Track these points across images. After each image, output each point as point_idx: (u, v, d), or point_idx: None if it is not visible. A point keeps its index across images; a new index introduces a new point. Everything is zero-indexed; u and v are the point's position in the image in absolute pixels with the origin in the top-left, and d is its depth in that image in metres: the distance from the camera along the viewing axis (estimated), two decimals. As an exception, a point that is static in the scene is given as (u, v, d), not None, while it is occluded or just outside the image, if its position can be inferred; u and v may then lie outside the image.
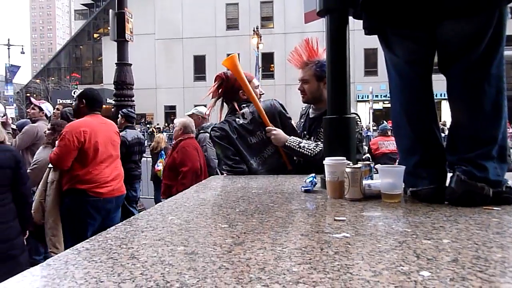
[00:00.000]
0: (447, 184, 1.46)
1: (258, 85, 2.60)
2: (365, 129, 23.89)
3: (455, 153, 1.44)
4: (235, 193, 1.72)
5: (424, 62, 1.52)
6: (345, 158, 1.60)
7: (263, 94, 2.62)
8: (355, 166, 1.52)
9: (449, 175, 1.45)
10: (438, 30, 1.46)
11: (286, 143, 2.32)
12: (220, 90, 2.47)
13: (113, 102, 6.00)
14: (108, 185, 3.31)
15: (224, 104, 2.52)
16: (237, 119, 2.39)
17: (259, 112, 2.37)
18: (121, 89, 5.80)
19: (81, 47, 41.56)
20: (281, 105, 2.50)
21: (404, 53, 1.54)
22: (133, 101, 5.97)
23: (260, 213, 1.32)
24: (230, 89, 2.46)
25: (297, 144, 2.31)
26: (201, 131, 4.78)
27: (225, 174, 2.34)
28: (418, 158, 1.50)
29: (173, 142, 4.44)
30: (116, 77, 5.83)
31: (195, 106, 4.89)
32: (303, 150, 2.29)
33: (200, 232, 1.10)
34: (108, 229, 1.15)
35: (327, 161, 1.59)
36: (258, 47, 22.49)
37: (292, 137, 2.36)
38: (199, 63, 32.65)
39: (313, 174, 1.79)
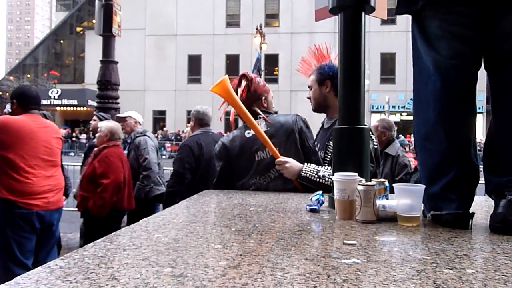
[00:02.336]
0: (471, 209, 1.46)
1: (273, 97, 2.64)
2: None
3: (501, 174, 1.40)
4: (231, 210, 1.72)
5: (474, 62, 1.43)
6: (357, 174, 1.60)
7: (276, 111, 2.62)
8: (368, 183, 1.52)
9: (477, 198, 1.45)
10: (501, 20, 1.38)
11: (302, 173, 2.24)
12: (243, 93, 2.45)
13: (96, 104, 6.03)
14: (42, 196, 3.25)
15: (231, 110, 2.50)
16: (247, 131, 2.42)
17: (262, 140, 2.29)
18: (105, 89, 5.83)
19: (61, 41, 41.84)
20: (305, 122, 2.45)
21: (450, 49, 1.44)
22: (118, 103, 6.00)
23: (259, 233, 1.32)
24: (254, 93, 2.49)
25: (315, 173, 2.24)
26: (138, 135, 4.83)
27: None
28: (450, 179, 1.44)
29: (95, 149, 4.36)
30: (100, 76, 5.87)
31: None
32: (323, 181, 2.21)
33: (190, 253, 1.09)
34: (85, 245, 1.15)
35: (337, 177, 1.59)
36: (261, 48, 22.64)
37: (307, 164, 2.28)
38: (194, 64, 32.83)
39: (320, 192, 1.79)
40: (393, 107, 29.17)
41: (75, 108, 33.46)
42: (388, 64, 31.15)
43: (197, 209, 1.75)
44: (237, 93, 2.41)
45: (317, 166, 2.29)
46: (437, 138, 1.45)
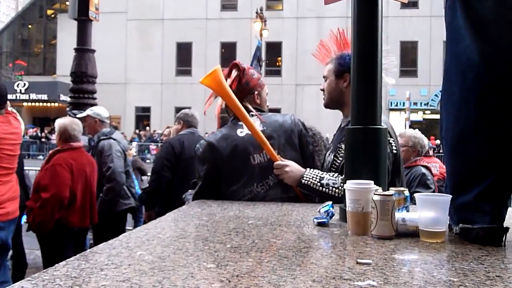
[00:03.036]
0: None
1: (267, 94, 2.65)
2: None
3: None
4: (226, 223, 1.72)
5: None
6: (372, 182, 1.60)
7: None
8: (386, 193, 1.53)
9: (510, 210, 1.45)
10: None
11: (303, 180, 2.26)
12: (233, 84, 2.44)
13: (69, 99, 6.03)
14: (1, 206, 3.32)
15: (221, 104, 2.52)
16: (239, 130, 2.40)
17: (258, 139, 2.31)
18: (80, 82, 5.84)
19: (29, 26, 41.88)
20: (303, 124, 2.52)
21: (505, 39, 1.38)
22: (95, 99, 6.01)
23: (259, 250, 1.32)
24: (245, 86, 2.49)
25: (317, 181, 2.25)
26: (103, 137, 4.73)
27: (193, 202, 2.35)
28: (485, 187, 1.42)
29: (50, 152, 4.34)
30: (75, 66, 5.89)
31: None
32: (326, 190, 2.22)
33: (178, 273, 1.09)
34: (56, 264, 1.15)
35: (349, 185, 1.59)
36: (261, 35, 22.67)
37: (309, 170, 2.30)
38: (184, 53, 32.87)
39: (330, 202, 1.79)
40: (415, 104, 29.24)
41: (44, 104, 33.45)
42: (409, 54, 31.18)
43: (187, 222, 1.75)
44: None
45: (321, 173, 2.30)
46: (477, 141, 1.43)
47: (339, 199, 2.08)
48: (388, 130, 2.15)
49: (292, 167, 2.29)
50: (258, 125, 2.38)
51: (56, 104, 32.44)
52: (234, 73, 2.48)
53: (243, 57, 29.18)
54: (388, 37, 27.85)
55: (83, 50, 5.93)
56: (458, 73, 1.48)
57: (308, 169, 2.32)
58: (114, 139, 4.71)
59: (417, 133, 4.54)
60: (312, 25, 31.07)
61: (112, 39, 31.48)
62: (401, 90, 27.20)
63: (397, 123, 29.69)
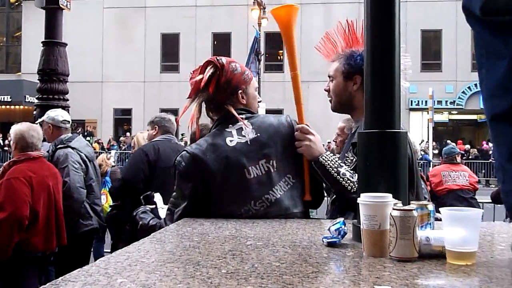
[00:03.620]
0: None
1: (256, 89, 2.61)
2: (421, 152, 24.00)
3: None
4: (221, 244, 1.72)
5: None
6: (390, 195, 1.61)
7: (260, 101, 2.64)
8: (407, 207, 1.53)
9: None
10: None
11: (320, 158, 2.35)
12: (210, 85, 2.39)
13: (36, 101, 6.04)
14: None
15: (203, 109, 2.49)
16: (228, 138, 2.35)
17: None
18: (49, 81, 5.85)
19: (-10, 16, 41.97)
20: None
21: None
22: (67, 100, 6.01)
23: (260, 276, 1.32)
24: (226, 86, 2.41)
25: (335, 166, 2.34)
26: (60, 145, 4.66)
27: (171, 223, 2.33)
28: None
29: (4, 164, 4.27)
30: (43, 63, 5.90)
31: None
32: (341, 179, 2.32)
33: (165, 304, 1.09)
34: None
35: (363, 199, 1.59)
36: (260, 24, 22.75)
37: (329, 153, 2.40)
38: (170, 46, 32.97)
39: (341, 220, 1.79)
40: (439, 102, 29.29)
41: (7, 107, 33.48)
42: (431, 45, 31.29)
43: (175, 244, 1.75)
44: (200, 87, 2.38)
45: (341, 161, 2.41)
46: None
47: (347, 193, 2.29)
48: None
49: (317, 140, 2.39)
50: (248, 133, 2.36)
51: (21, 107, 32.43)
52: (210, 71, 2.39)
53: (239, 50, 29.27)
54: (406, 25, 28.02)
55: (52, 43, 5.93)
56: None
57: (328, 152, 2.41)
58: (73, 148, 4.62)
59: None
60: (318, 13, 31.17)
61: (86, 31, 31.57)
62: (423, 87, 27.27)
63: (418, 125, 29.81)
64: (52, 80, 5.83)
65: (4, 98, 32.45)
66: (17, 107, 32.82)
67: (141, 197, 3.47)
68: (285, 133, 2.43)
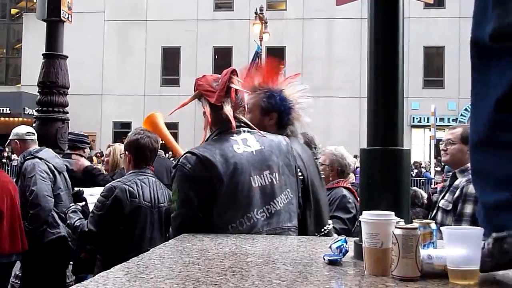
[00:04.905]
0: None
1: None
2: (425, 171, 23.99)
3: None
4: (221, 261, 1.72)
5: None
6: (393, 213, 1.60)
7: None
8: (409, 226, 1.53)
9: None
10: None
11: None
12: (231, 92, 2.48)
13: (35, 113, 6.04)
14: None
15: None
16: (235, 146, 2.40)
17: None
18: (49, 94, 5.86)
19: (-10, 28, 42.18)
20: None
21: None
22: (67, 113, 6.02)
23: (260, 294, 1.32)
24: (239, 97, 2.54)
25: None
26: (28, 157, 4.79)
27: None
28: None
29: None
30: (43, 75, 5.91)
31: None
32: None
33: (165, 321, 1.09)
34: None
35: (366, 217, 1.59)
36: (261, 39, 22.85)
37: None
38: (170, 59, 33.08)
39: (343, 237, 1.79)
40: (441, 119, 29.30)
41: (7, 118, 33.49)
42: (434, 61, 31.39)
43: (174, 260, 1.75)
44: (226, 88, 2.44)
45: None
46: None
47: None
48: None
49: None
50: (253, 142, 2.44)
51: (20, 119, 32.43)
52: (237, 82, 2.52)
53: (240, 64, 29.00)
54: (409, 42, 28.11)
55: (53, 56, 5.95)
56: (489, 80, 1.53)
57: None
58: (40, 158, 4.71)
59: (337, 150, 4.42)
60: (320, 28, 31.34)
61: (87, 43, 31.69)
62: (425, 104, 27.37)
63: (420, 142, 29.81)
64: (52, 92, 5.84)
65: (3, 110, 32.48)
66: (16, 119, 32.75)
67: (71, 193, 3.53)
68: (285, 150, 2.52)
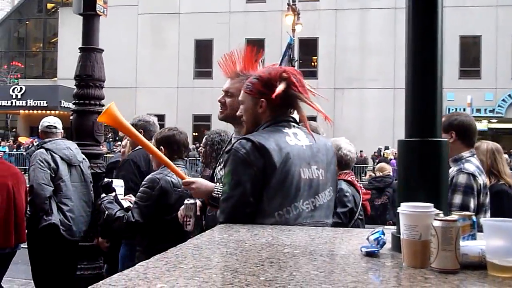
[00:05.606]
0: None
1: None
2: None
3: None
4: (258, 252, 1.73)
5: None
6: (432, 205, 1.59)
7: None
8: (449, 218, 1.51)
9: None
10: None
11: (213, 194, 2.69)
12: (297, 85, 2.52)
13: (72, 106, 6.13)
14: None
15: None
16: (287, 138, 2.44)
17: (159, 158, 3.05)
18: (86, 87, 5.92)
19: (27, 22, 43.00)
20: None
21: None
22: (103, 105, 6.09)
23: (298, 285, 1.33)
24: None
25: None
26: (38, 147, 5.02)
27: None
28: None
29: None
30: (80, 69, 5.98)
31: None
32: None
33: (205, 310, 1.10)
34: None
35: (404, 208, 1.58)
36: (293, 30, 22.77)
37: (219, 184, 2.72)
38: (203, 52, 33.21)
39: (381, 229, 1.79)
40: (478, 110, 28.81)
41: (43, 112, 34.06)
42: (471, 51, 30.83)
43: (212, 251, 1.77)
44: (272, 90, 2.46)
45: None
46: None
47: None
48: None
49: (199, 183, 2.80)
50: (303, 138, 2.48)
51: (57, 112, 33.02)
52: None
53: (272, 56, 29.22)
54: (445, 32, 27.56)
55: (89, 49, 6.00)
56: None
57: (218, 184, 2.76)
58: (46, 149, 4.87)
59: (337, 141, 4.24)
60: (353, 19, 31.06)
61: (121, 37, 32.02)
62: (461, 94, 26.90)
63: (456, 134, 29.33)
64: (89, 85, 5.89)
65: (40, 103, 33.11)
66: (52, 112, 33.33)
67: (100, 185, 3.60)
68: (330, 151, 2.61)
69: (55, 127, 5.19)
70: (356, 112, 29.05)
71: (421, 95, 1.79)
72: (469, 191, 3.27)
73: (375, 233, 1.76)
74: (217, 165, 3.06)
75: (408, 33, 1.83)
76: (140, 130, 4.62)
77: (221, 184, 2.62)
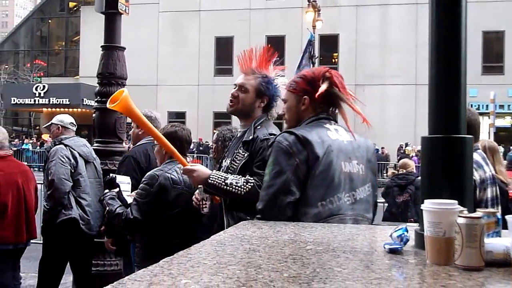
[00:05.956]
0: None
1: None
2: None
3: None
4: (281, 248, 1.73)
5: None
6: (456, 202, 1.58)
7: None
8: (473, 215, 1.50)
9: None
10: None
11: (209, 180, 2.84)
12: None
13: (95, 104, 6.19)
14: None
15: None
16: (328, 132, 2.48)
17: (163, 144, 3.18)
18: (108, 84, 5.98)
19: (49, 21, 43.50)
20: None
21: None
22: (125, 103, 6.14)
23: (322, 281, 1.33)
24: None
25: (222, 181, 2.84)
26: (57, 143, 5.11)
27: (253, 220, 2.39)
28: None
29: None
30: (102, 67, 6.03)
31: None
32: (230, 188, 2.83)
33: (230, 306, 1.11)
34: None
35: (427, 205, 1.57)
36: (314, 26, 22.70)
37: (215, 171, 2.95)
38: (224, 49, 33.27)
39: (403, 226, 1.78)
40: (501, 106, 28.44)
41: (66, 109, 34.49)
42: (494, 46, 30.45)
43: (235, 247, 1.78)
44: (315, 89, 2.51)
45: (226, 174, 2.91)
46: None
47: (240, 197, 2.82)
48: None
49: (199, 171, 2.91)
50: (345, 135, 2.53)
51: (79, 110, 33.37)
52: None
53: (293, 53, 29.23)
54: (468, 27, 27.30)
55: (111, 47, 6.04)
56: None
57: (214, 171, 2.97)
58: (66, 145, 5.00)
59: None
60: (374, 14, 30.85)
61: (142, 35, 32.21)
62: (484, 91, 26.54)
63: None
64: (111, 83, 5.94)
65: (62, 101, 33.52)
66: (75, 110, 33.76)
67: (104, 180, 3.65)
68: (371, 149, 2.68)
69: (75, 125, 5.39)
70: (377, 109, 28.83)
71: (445, 91, 1.78)
72: None
73: (398, 230, 1.75)
74: (224, 158, 3.18)
75: (431, 28, 1.82)
76: None
77: (218, 172, 2.91)
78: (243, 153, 2.97)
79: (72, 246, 4.94)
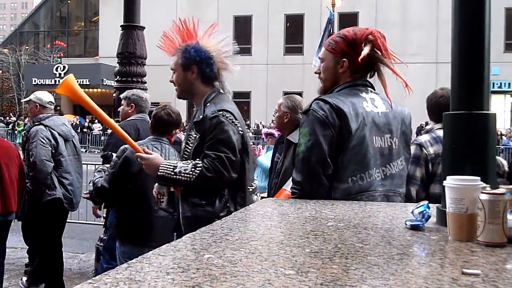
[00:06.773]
0: None
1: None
2: (505, 139, 23.13)
3: None
4: (302, 225, 1.75)
5: None
6: (479, 178, 1.58)
7: None
8: (496, 191, 1.50)
9: None
10: None
11: (159, 173, 2.79)
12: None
13: (115, 83, 6.23)
14: None
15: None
16: (364, 102, 2.42)
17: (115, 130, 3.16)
18: (128, 64, 6.01)
19: (68, 2, 43.58)
20: None
21: None
22: (145, 82, 6.18)
23: (344, 256, 1.34)
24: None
25: (171, 171, 2.76)
26: (35, 123, 5.15)
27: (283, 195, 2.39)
28: None
29: None
30: (122, 46, 6.06)
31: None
32: (179, 177, 2.74)
33: (253, 279, 1.13)
34: (117, 267, 1.22)
35: (449, 182, 1.57)
36: (333, 4, 22.45)
37: (165, 162, 2.86)
38: (242, 28, 33.12)
39: (425, 202, 1.78)
40: (524, 85, 28.00)
41: (86, 89, 34.45)
42: (516, 23, 29.88)
43: (257, 223, 1.79)
44: (356, 51, 2.43)
45: (176, 162, 2.83)
46: None
47: (190, 184, 2.73)
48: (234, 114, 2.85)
49: (150, 160, 2.87)
50: (379, 104, 2.46)
51: (99, 90, 33.57)
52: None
53: (312, 32, 29.07)
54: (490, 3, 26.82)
55: (131, 27, 6.07)
56: None
57: (165, 161, 2.89)
58: (45, 125, 5.05)
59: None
60: (395, -8, 30.43)
61: (160, 14, 32.12)
62: (506, 69, 26.17)
63: (500, 109, 28.65)
64: (131, 63, 5.98)
65: (83, 81, 33.60)
66: (95, 90, 34.00)
67: (100, 156, 3.73)
68: (407, 119, 2.58)
69: (53, 103, 5.44)
70: (395, 89, 28.51)
71: (468, 67, 1.77)
72: (415, 160, 3.31)
73: (419, 206, 1.75)
74: (189, 128, 3.06)
75: (454, 5, 1.80)
76: (132, 104, 4.88)
77: (168, 162, 2.85)
78: (195, 135, 2.88)
79: (55, 224, 5.13)
